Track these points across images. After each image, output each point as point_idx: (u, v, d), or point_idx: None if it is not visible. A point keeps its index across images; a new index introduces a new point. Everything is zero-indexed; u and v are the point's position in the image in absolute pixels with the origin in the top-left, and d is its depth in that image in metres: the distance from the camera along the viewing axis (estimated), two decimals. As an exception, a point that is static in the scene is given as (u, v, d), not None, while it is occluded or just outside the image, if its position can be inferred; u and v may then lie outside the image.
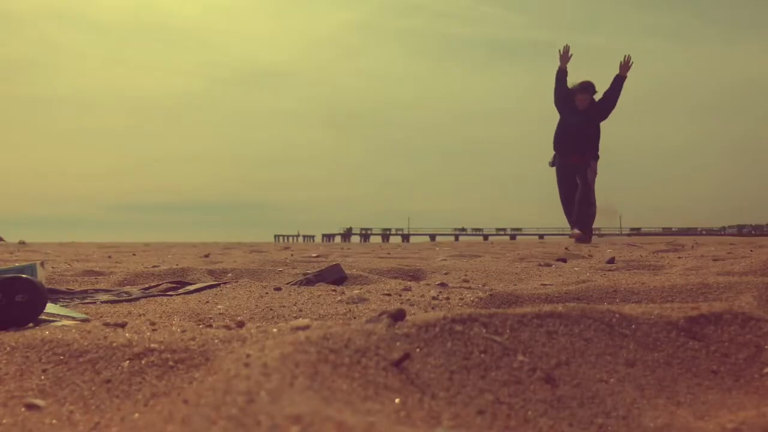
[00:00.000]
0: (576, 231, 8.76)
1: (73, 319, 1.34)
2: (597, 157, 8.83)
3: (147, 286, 2.16)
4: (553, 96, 8.93)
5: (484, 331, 0.83)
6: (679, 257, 3.45)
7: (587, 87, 8.63)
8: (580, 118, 8.59)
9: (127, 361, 0.82)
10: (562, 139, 8.89)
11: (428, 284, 2.11)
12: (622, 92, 8.75)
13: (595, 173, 8.71)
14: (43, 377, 0.81)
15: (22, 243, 13.56)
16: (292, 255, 4.81)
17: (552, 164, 9.16)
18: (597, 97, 8.73)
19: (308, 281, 2.19)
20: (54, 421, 0.70)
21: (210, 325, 1.25)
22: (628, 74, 8.59)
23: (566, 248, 5.45)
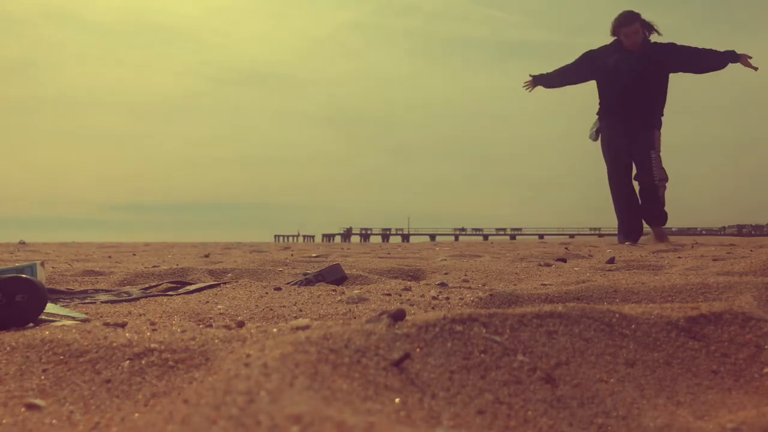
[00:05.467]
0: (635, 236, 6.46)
1: (73, 319, 1.34)
2: (660, 123, 6.43)
3: (147, 286, 2.16)
4: (567, 80, 6.71)
5: (484, 331, 0.83)
6: (679, 257, 3.45)
7: (632, 17, 6.27)
8: (633, 63, 6.29)
9: (127, 361, 0.82)
10: (608, 94, 6.47)
11: (428, 284, 2.11)
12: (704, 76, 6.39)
13: (657, 148, 6.32)
14: (43, 377, 0.81)
15: (22, 243, 13.56)
16: (292, 255, 4.81)
17: (594, 136, 6.70)
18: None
19: (308, 281, 2.19)
20: (54, 421, 0.70)
21: (210, 325, 1.25)
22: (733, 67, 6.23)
23: (566, 248, 5.45)
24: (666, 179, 6.29)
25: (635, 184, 6.49)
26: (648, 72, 6.30)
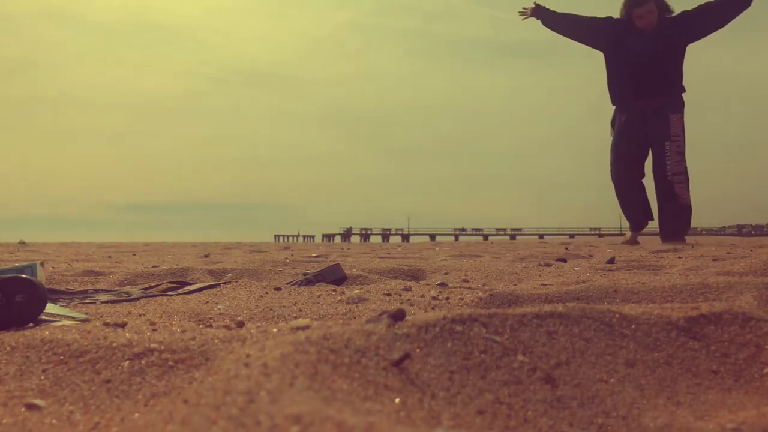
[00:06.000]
0: (630, 235, 5.90)
1: (73, 319, 1.34)
2: (681, 106, 5.67)
3: (147, 286, 2.16)
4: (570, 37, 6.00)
5: (484, 331, 0.83)
6: (679, 257, 3.44)
7: None
8: (649, 43, 5.65)
9: (127, 361, 0.82)
10: (619, 79, 5.82)
11: (428, 284, 2.11)
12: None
13: (675, 136, 5.55)
14: (43, 377, 0.81)
15: (22, 243, 13.56)
16: (292, 255, 4.80)
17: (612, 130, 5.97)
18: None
19: (308, 281, 2.19)
20: (54, 421, 0.70)
21: (210, 325, 1.25)
22: None
23: (566, 248, 5.44)
24: (683, 173, 5.58)
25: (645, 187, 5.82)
26: (663, 49, 5.66)
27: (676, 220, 5.64)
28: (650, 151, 5.76)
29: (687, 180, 5.61)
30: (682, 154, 5.62)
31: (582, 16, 6.07)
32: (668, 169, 5.58)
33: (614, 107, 6.03)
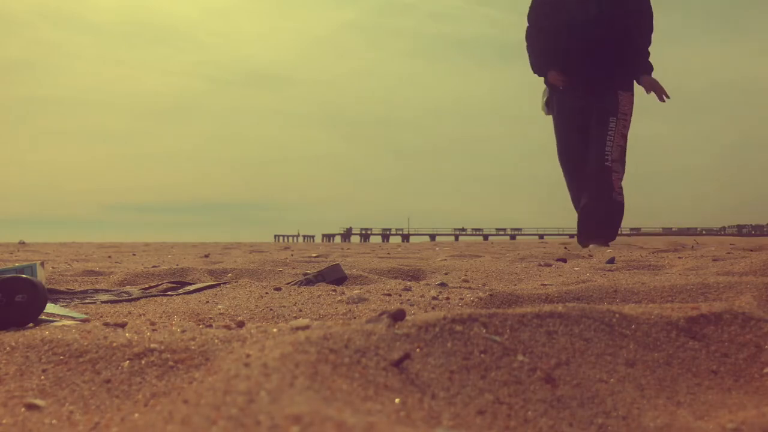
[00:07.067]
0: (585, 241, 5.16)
1: (73, 319, 1.34)
2: (631, 86, 5.03)
3: (147, 286, 2.15)
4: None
5: (484, 331, 0.83)
6: (679, 257, 3.44)
7: None
8: (589, 10, 4.93)
9: (127, 361, 0.82)
10: (561, 55, 5.06)
11: (428, 284, 2.11)
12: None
13: (627, 115, 4.94)
14: (43, 377, 0.81)
15: (22, 243, 13.56)
16: (292, 255, 4.80)
17: (547, 109, 5.40)
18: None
19: (308, 281, 2.19)
20: (54, 421, 0.70)
21: (210, 325, 1.25)
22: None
23: (566, 248, 5.44)
24: (622, 161, 4.95)
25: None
26: (608, 17, 4.91)
27: (608, 219, 5.03)
28: (592, 129, 5.08)
29: (623, 170, 5.03)
30: (625, 137, 5.00)
31: (542, 38, 5.22)
32: (608, 153, 4.92)
33: (546, 87, 5.32)
